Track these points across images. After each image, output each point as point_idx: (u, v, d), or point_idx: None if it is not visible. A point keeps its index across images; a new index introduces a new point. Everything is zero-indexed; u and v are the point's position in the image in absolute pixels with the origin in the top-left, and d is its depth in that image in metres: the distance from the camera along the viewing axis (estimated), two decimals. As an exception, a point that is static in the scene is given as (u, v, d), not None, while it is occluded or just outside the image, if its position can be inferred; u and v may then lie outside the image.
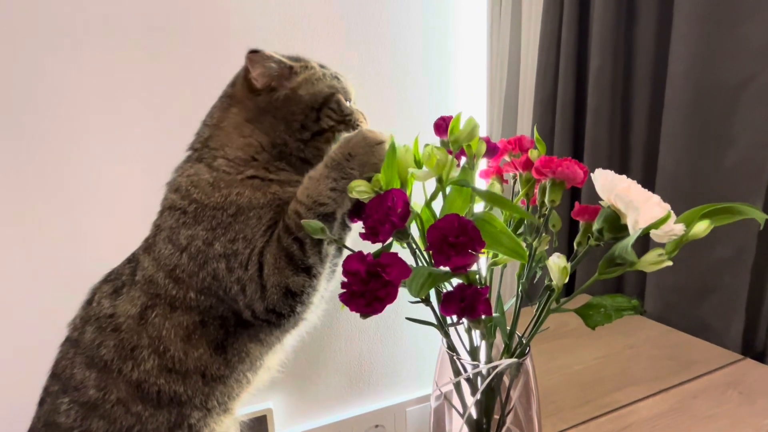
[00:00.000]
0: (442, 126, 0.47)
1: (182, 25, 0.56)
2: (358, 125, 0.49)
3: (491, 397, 0.50)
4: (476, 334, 0.50)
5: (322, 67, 0.50)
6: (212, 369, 0.41)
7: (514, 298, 0.51)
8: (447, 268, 0.37)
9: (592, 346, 1.05)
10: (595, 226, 0.40)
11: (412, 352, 0.72)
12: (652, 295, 1.14)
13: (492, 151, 0.47)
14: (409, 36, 0.67)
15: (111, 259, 0.47)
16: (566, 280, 0.41)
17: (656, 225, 0.31)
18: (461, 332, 0.51)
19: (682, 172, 1.03)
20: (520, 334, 0.49)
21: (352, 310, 0.33)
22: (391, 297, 0.33)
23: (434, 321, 0.49)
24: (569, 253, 0.43)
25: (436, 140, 0.47)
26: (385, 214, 0.35)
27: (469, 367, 0.49)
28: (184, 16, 0.56)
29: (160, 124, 0.56)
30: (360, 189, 0.39)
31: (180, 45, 0.57)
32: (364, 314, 0.33)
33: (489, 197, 0.38)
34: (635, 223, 0.33)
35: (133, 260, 0.45)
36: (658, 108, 1.06)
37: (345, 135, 0.44)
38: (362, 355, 0.69)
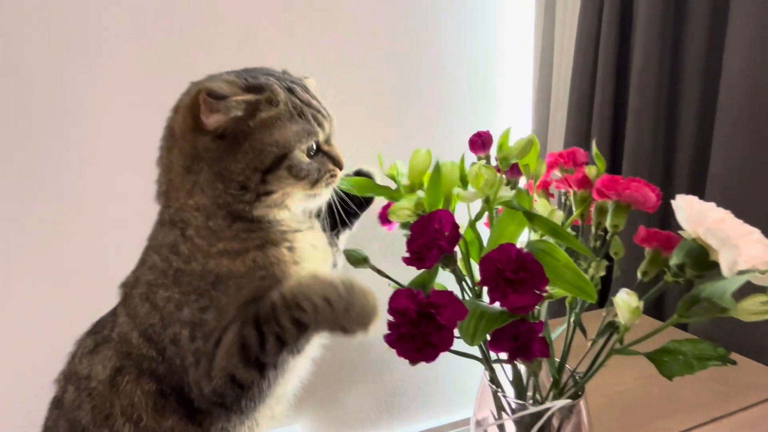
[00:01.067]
0: (477, 142, 0.44)
1: (203, 30, 0.53)
2: (328, 182, 0.41)
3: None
4: (523, 369, 0.45)
5: (289, 90, 0.39)
6: None
7: (564, 328, 0.46)
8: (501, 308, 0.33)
9: (633, 366, 0.97)
10: (674, 261, 0.34)
11: (446, 375, 0.68)
12: (698, 310, 1.06)
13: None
14: (451, 48, 0.63)
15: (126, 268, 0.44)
16: (637, 321, 0.36)
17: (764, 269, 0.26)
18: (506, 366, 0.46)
19: (735, 180, 0.95)
20: (571, 369, 0.44)
21: (400, 355, 0.29)
22: (447, 343, 0.28)
23: (478, 354, 0.44)
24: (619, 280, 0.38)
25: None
26: (432, 238, 0.31)
27: (514, 406, 0.44)
28: (207, 21, 0.53)
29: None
30: (403, 211, 0.34)
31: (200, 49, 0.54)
32: (414, 361, 0.29)
33: (551, 229, 0.33)
34: (733, 264, 0.28)
35: (114, 312, 0.42)
36: (710, 110, 0.98)
37: (350, 287, 0.34)
38: (394, 378, 0.65)
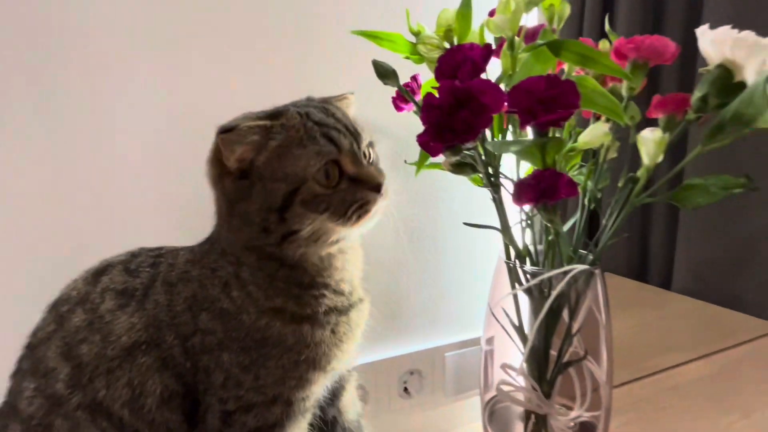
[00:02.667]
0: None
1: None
2: (360, 215, 0.34)
3: (553, 320, 0.45)
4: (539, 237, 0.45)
5: (306, 115, 0.35)
6: None
7: (579, 211, 0.46)
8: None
9: (620, 317, 0.99)
10: (696, 95, 0.35)
11: (452, 294, 0.67)
12: (681, 269, 1.09)
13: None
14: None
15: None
16: (661, 157, 0.36)
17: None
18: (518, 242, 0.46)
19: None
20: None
21: (434, 153, 0.28)
22: (486, 122, 0.27)
23: (492, 227, 0.44)
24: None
25: None
26: (464, 57, 0.30)
27: (530, 274, 0.44)
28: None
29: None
30: (431, 41, 0.34)
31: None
32: (451, 148, 0.27)
33: (581, 56, 0.33)
34: (762, 64, 0.28)
35: (155, 269, 0.37)
36: (690, 73, 1.02)
37: None
38: (400, 292, 0.64)
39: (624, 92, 0.41)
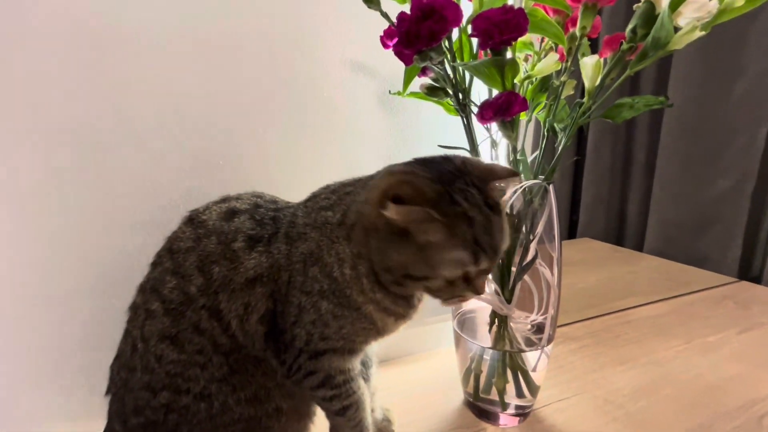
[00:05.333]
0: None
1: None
2: (452, 302, 0.40)
3: (514, 235, 0.53)
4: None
5: (470, 220, 0.36)
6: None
7: (541, 139, 0.54)
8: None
9: (593, 272, 1.08)
10: (629, 27, 0.42)
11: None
12: (654, 231, 1.18)
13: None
14: None
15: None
16: (598, 81, 0.43)
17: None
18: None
19: (690, 108, 1.06)
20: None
21: (407, 60, 0.35)
22: (445, 30, 0.34)
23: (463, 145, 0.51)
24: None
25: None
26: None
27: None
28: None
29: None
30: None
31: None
32: (420, 53, 0.34)
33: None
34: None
35: (276, 223, 0.43)
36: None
37: None
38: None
39: (577, 32, 0.48)
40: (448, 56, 0.42)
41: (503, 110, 0.43)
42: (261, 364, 0.43)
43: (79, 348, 0.52)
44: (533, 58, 0.52)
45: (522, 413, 0.57)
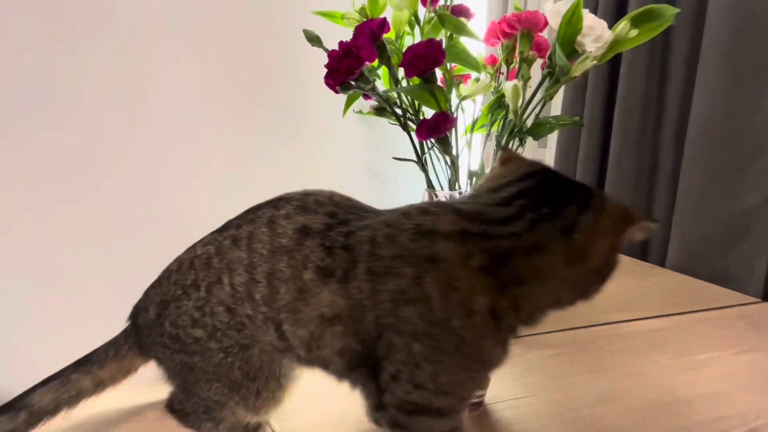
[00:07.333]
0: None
1: None
2: None
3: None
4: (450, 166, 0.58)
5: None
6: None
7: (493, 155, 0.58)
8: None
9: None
10: (548, 53, 0.47)
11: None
12: (676, 245, 1.12)
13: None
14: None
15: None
16: (519, 102, 0.48)
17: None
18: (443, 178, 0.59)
19: (717, 117, 1.02)
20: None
21: (333, 88, 0.44)
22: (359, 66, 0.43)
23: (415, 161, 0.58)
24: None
25: None
26: (366, 26, 0.45)
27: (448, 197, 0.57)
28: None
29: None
30: (350, 18, 0.49)
31: None
32: (342, 85, 0.43)
33: (457, 27, 0.47)
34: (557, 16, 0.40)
35: (350, 253, 0.37)
36: (695, 50, 1.05)
37: None
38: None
39: (517, 55, 0.53)
40: (375, 83, 0.50)
41: (434, 129, 0.50)
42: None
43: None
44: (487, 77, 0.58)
45: (471, 405, 0.61)
